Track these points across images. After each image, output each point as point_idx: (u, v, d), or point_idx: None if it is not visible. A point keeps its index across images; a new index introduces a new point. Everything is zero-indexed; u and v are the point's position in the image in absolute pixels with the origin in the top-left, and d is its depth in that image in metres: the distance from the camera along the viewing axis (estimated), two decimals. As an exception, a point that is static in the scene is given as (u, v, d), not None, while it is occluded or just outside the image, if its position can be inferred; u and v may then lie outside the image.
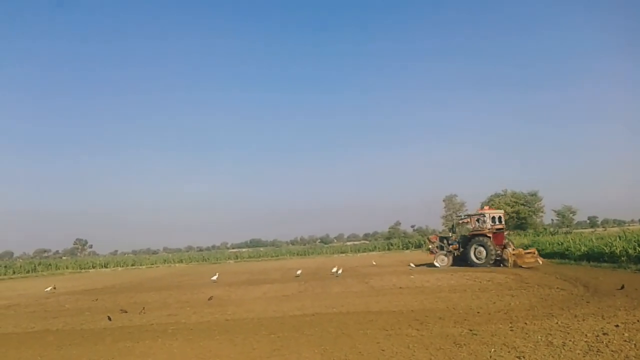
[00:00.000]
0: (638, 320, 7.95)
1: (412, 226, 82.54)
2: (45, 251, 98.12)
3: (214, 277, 23.05)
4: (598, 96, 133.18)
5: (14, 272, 48.97)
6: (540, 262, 21.22)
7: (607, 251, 20.21)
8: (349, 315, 10.37)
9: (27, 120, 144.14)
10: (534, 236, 39.26)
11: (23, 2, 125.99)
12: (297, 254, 59.24)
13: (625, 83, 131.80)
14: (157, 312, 12.89)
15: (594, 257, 20.98)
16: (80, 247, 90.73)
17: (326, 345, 7.50)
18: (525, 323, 8.26)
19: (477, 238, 22.37)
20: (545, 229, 51.24)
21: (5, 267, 52.27)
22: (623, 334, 7.02)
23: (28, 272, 49.90)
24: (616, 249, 19.78)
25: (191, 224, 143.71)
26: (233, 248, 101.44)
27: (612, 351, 6.16)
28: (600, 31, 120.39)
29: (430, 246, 25.51)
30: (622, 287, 11.93)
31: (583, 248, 22.52)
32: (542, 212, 56.03)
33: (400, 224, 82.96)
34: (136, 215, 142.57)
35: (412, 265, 24.76)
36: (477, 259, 22.02)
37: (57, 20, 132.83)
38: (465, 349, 6.72)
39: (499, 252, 21.86)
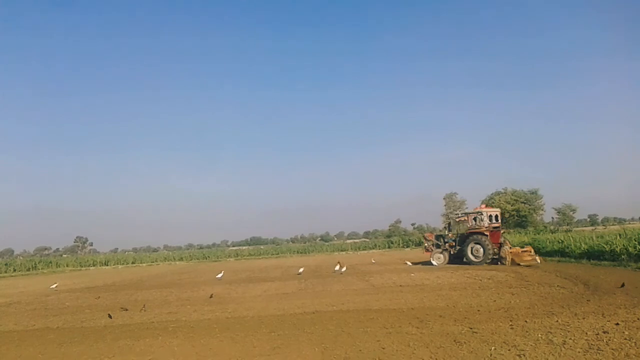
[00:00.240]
0: (638, 319, 7.95)
1: (413, 224, 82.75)
2: (45, 249, 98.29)
3: (219, 275, 23.19)
4: (599, 95, 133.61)
5: (14, 270, 49.12)
6: (538, 261, 21.24)
7: (607, 249, 20.23)
8: (350, 313, 10.38)
9: (29, 119, 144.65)
10: (534, 234, 39.30)
11: (23, 2, 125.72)
12: (298, 252, 59.28)
13: (626, 82, 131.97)
14: (157, 309, 12.90)
15: (594, 255, 21.02)
16: (80, 244, 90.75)
17: (327, 343, 7.51)
18: (526, 321, 8.26)
19: (474, 236, 22.46)
20: (545, 227, 51.21)
21: (6, 264, 52.44)
22: (623, 332, 7.02)
23: (29, 269, 50.01)
24: (616, 247, 19.80)
25: (192, 222, 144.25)
26: (233, 246, 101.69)
27: (613, 349, 6.15)
28: (602, 30, 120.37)
29: (426, 244, 25.55)
30: (623, 286, 11.94)
31: (583, 246, 22.55)
32: (542, 210, 56.12)
33: (400, 221, 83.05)
34: (137, 213, 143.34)
35: (409, 263, 24.75)
36: (475, 257, 22.12)
37: (57, 19, 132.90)
38: (466, 347, 6.72)
39: (496, 250, 21.98)
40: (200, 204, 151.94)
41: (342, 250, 57.41)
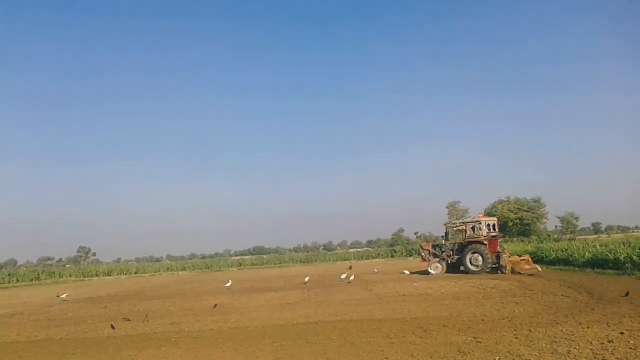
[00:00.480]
0: (643, 328, 7.90)
1: (416, 233, 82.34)
2: (48, 259, 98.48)
3: (228, 284, 23.33)
4: (602, 101, 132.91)
5: (17, 280, 49.07)
6: (539, 269, 21.18)
7: (611, 258, 20.12)
8: (353, 323, 10.34)
9: (30, 127, 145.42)
10: (538, 243, 39.10)
11: (24, 5, 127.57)
12: (300, 261, 59.08)
13: (629, 88, 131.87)
14: (160, 320, 12.88)
15: (598, 263, 20.90)
16: (83, 254, 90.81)
17: (330, 354, 7.49)
18: (530, 330, 8.22)
19: (473, 245, 22.50)
20: (548, 235, 51.02)
21: (9, 275, 52.37)
22: (628, 341, 6.99)
23: (31, 280, 49.95)
24: (620, 255, 19.70)
25: (194, 232, 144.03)
26: (236, 255, 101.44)
27: (618, 359, 6.13)
28: (603, 35, 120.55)
29: (423, 253, 25.52)
30: (627, 294, 11.86)
31: (587, 254, 22.44)
32: (545, 218, 55.95)
33: (403, 230, 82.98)
34: (139, 223, 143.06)
35: (407, 272, 24.70)
36: (474, 266, 22.14)
37: (57, 25, 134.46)
38: (470, 357, 6.70)
39: (494, 259, 22.00)
40: (203, 213, 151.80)
41: (344, 259, 57.17)
